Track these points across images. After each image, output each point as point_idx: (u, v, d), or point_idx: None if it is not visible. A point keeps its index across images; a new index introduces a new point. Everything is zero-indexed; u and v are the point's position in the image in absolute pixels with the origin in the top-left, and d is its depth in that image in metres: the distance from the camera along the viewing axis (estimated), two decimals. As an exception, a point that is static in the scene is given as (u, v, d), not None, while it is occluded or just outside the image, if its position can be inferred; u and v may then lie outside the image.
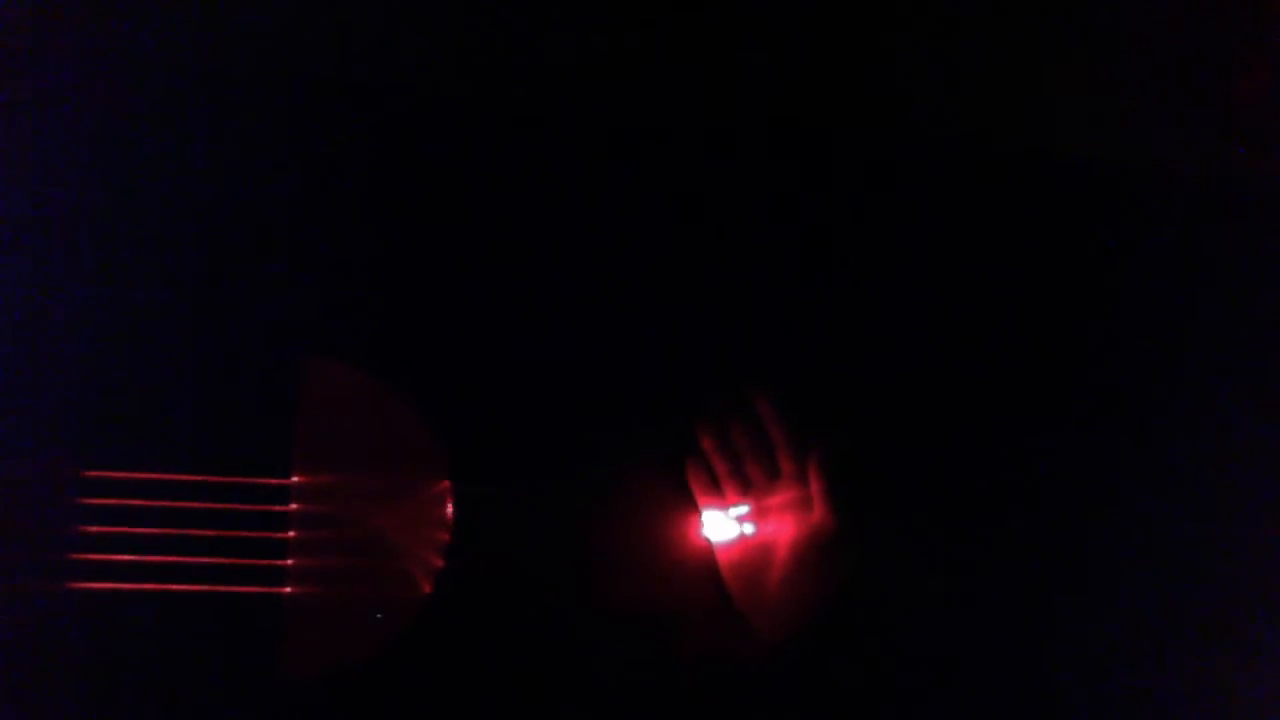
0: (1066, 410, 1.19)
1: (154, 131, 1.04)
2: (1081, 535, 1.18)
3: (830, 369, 1.15)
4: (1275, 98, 1.25)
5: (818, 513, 1.03)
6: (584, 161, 1.13)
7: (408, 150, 1.09)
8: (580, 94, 1.13)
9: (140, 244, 1.02)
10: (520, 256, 1.10)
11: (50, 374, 0.99)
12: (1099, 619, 1.16)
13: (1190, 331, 1.22)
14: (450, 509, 1.04)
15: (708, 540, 1.09)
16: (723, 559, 1.09)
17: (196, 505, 1.01)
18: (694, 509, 1.10)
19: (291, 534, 1.03)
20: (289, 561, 1.02)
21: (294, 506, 1.03)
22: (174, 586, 0.99)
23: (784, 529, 1.05)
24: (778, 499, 1.06)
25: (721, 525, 1.09)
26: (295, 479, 1.03)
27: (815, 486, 1.04)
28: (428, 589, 1.04)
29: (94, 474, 0.99)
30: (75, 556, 0.98)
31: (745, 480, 1.09)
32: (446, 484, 1.05)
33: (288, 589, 1.02)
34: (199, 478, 1.01)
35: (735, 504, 1.09)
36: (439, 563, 1.04)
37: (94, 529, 0.99)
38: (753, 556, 1.07)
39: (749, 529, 1.08)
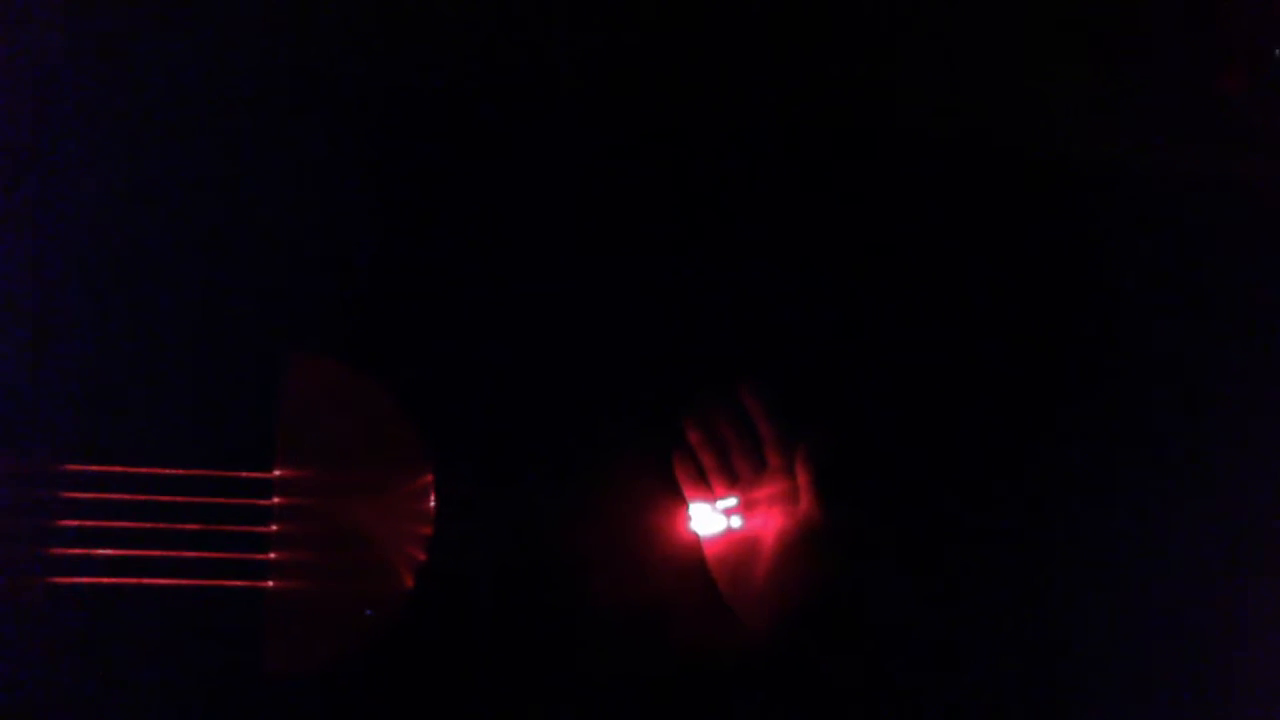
0: (1062, 408, 1.19)
1: (135, 124, 1.03)
2: (1073, 531, 1.16)
3: (818, 363, 1.15)
4: (1266, 97, 1.24)
5: (804, 506, 1.02)
6: (574, 157, 1.12)
7: (391, 145, 1.09)
8: (576, 90, 1.13)
9: (122, 239, 1.02)
10: (504, 251, 1.10)
11: (31, 368, 0.99)
12: (1089, 614, 1.15)
13: (1188, 330, 1.21)
14: (433, 503, 1.04)
15: (694, 534, 1.09)
16: (709, 552, 1.08)
17: (178, 499, 1.00)
18: (680, 502, 1.10)
19: (274, 528, 1.02)
20: (271, 556, 1.02)
21: (277, 501, 1.03)
22: (156, 581, 0.99)
23: (770, 522, 1.04)
24: (764, 492, 1.06)
25: (708, 519, 1.08)
26: (278, 473, 1.03)
27: (802, 479, 1.03)
28: (410, 583, 1.03)
29: (75, 468, 0.99)
30: (56, 551, 0.98)
31: (731, 473, 1.08)
32: (429, 478, 1.04)
33: (270, 583, 1.01)
34: (181, 472, 1.01)
35: (721, 497, 1.08)
36: (422, 557, 1.03)
37: (75, 523, 0.99)
38: (739, 550, 1.06)
39: (735, 522, 1.07)
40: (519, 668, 1.05)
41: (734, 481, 1.08)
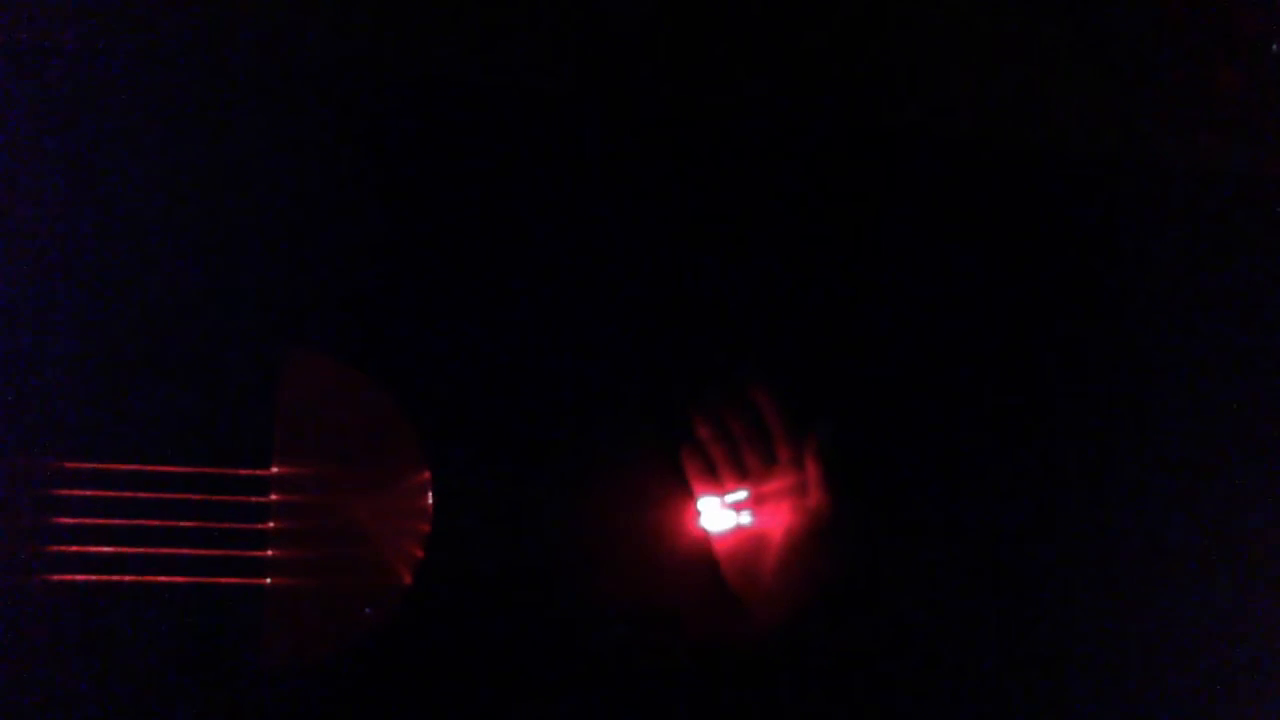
0: (1063, 405, 1.18)
1: (134, 124, 1.04)
2: (1080, 526, 1.16)
3: (827, 358, 1.14)
4: (1265, 90, 1.23)
5: (813, 500, 1.02)
6: (573, 154, 1.12)
7: (388, 140, 1.09)
8: (578, 88, 1.13)
9: (117, 236, 1.02)
10: (502, 246, 1.10)
11: (27, 365, 0.99)
12: (1096, 610, 1.15)
13: (1190, 324, 1.21)
14: (430, 499, 1.04)
15: (704, 530, 1.08)
16: (719, 548, 1.08)
17: (176, 496, 1.00)
18: (689, 498, 1.09)
19: (272, 525, 1.02)
20: (269, 553, 1.02)
21: (275, 498, 1.02)
22: (153, 578, 0.99)
23: (779, 517, 1.04)
24: (773, 486, 1.05)
25: (717, 514, 1.07)
26: (276, 470, 1.03)
27: (811, 473, 1.03)
28: (408, 580, 1.03)
29: (73, 465, 0.99)
30: (53, 548, 0.98)
31: (741, 468, 1.08)
32: (427, 475, 1.04)
33: (267, 580, 1.01)
34: (179, 469, 1.01)
35: (731, 492, 1.07)
36: (420, 554, 1.03)
37: (72, 520, 0.99)
38: (749, 545, 1.06)
39: (745, 517, 1.06)
40: (518, 665, 1.04)
41: (743, 476, 1.08)
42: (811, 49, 1.17)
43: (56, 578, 0.98)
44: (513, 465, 1.07)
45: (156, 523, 1.00)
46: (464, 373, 1.07)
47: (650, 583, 1.09)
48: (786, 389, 1.09)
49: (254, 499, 1.02)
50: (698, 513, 1.09)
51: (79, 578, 0.98)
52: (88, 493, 0.99)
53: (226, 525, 1.01)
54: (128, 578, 0.99)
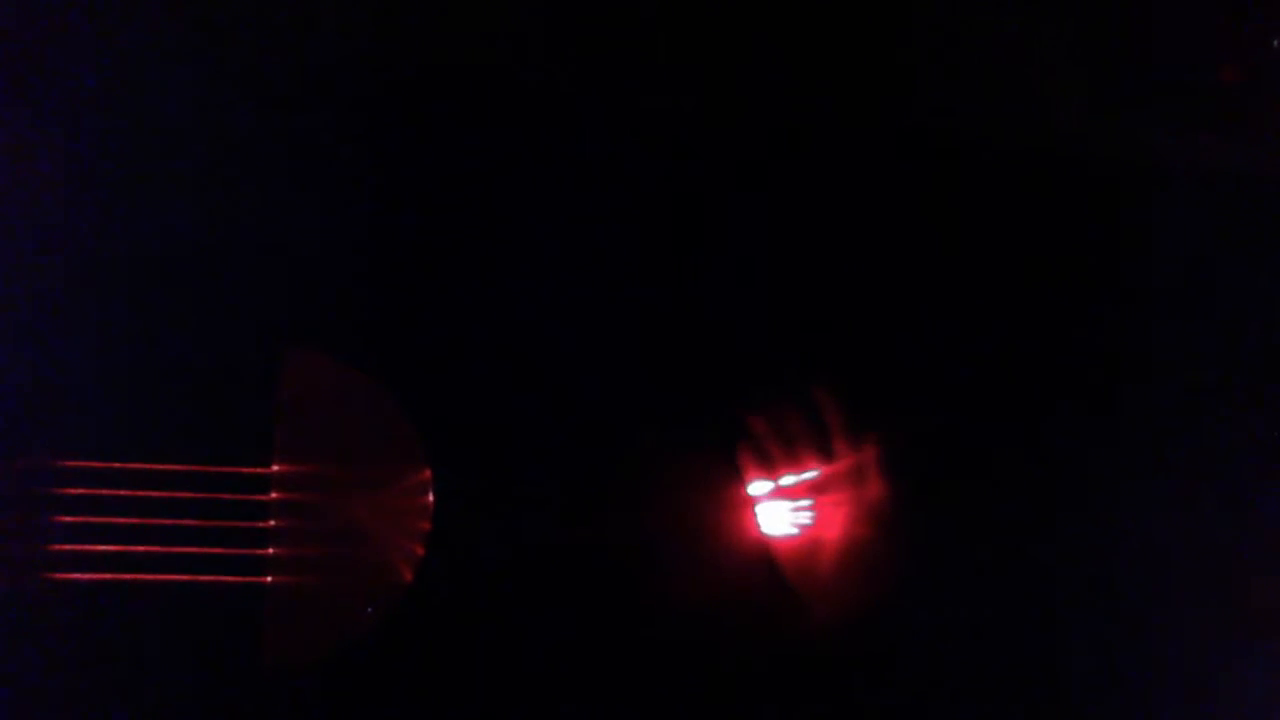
0: (1062, 406, 1.18)
1: (133, 124, 1.04)
2: (1129, 528, 1.16)
3: (885, 356, 1.14)
4: (1266, 89, 1.24)
5: (871, 497, 1.02)
6: (576, 154, 1.12)
7: (387, 140, 1.08)
8: (586, 86, 1.13)
9: (116, 234, 1.02)
10: (506, 245, 1.10)
11: (27, 364, 0.99)
12: (1152, 615, 1.15)
13: (1190, 323, 1.21)
14: (431, 498, 1.04)
15: (761, 527, 1.08)
16: (776, 546, 1.07)
17: (176, 495, 1.00)
18: (747, 496, 1.09)
19: (272, 524, 1.02)
20: (270, 551, 1.02)
21: (275, 496, 1.02)
22: (154, 577, 0.99)
23: (838, 513, 1.04)
24: (831, 484, 1.05)
25: (774, 513, 1.07)
26: (276, 468, 1.03)
27: (868, 471, 1.03)
28: (409, 579, 1.03)
29: (72, 463, 0.99)
30: (53, 547, 0.98)
31: (798, 465, 1.08)
32: (428, 473, 1.04)
33: (269, 579, 1.01)
34: (179, 467, 1.01)
35: (787, 490, 1.07)
36: (420, 552, 1.03)
37: (72, 519, 0.99)
38: (807, 542, 1.05)
39: (803, 514, 1.06)
40: (517, 666, 1.04)
41: (801, 474, 1.08)
42: (811, 49, 1.17)
43: (57, 576, 0.98)
44: (514, 464, 1.07)
45: (157, 521, 1.00)
46: (464, 371, 1.07)
47: (707, 581, 1.08)
48: (845, 387, 1.09)
49: (254, 497, 1.02)
50: (755, 512, 1.09)
51: (80, 576, 0.98)
52: (88, 491, 0.99)
53: (227, 524, 1.01)
54: (128, 576, 0.99)
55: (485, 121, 1.11)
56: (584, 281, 1.11)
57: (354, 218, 1.07)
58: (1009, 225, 1.20)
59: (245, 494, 1.02)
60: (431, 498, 1.04)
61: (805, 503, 1.07)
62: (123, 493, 0.99)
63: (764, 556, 1.08)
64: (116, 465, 1.00)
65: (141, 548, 0.99)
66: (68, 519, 0.99)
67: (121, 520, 0.99)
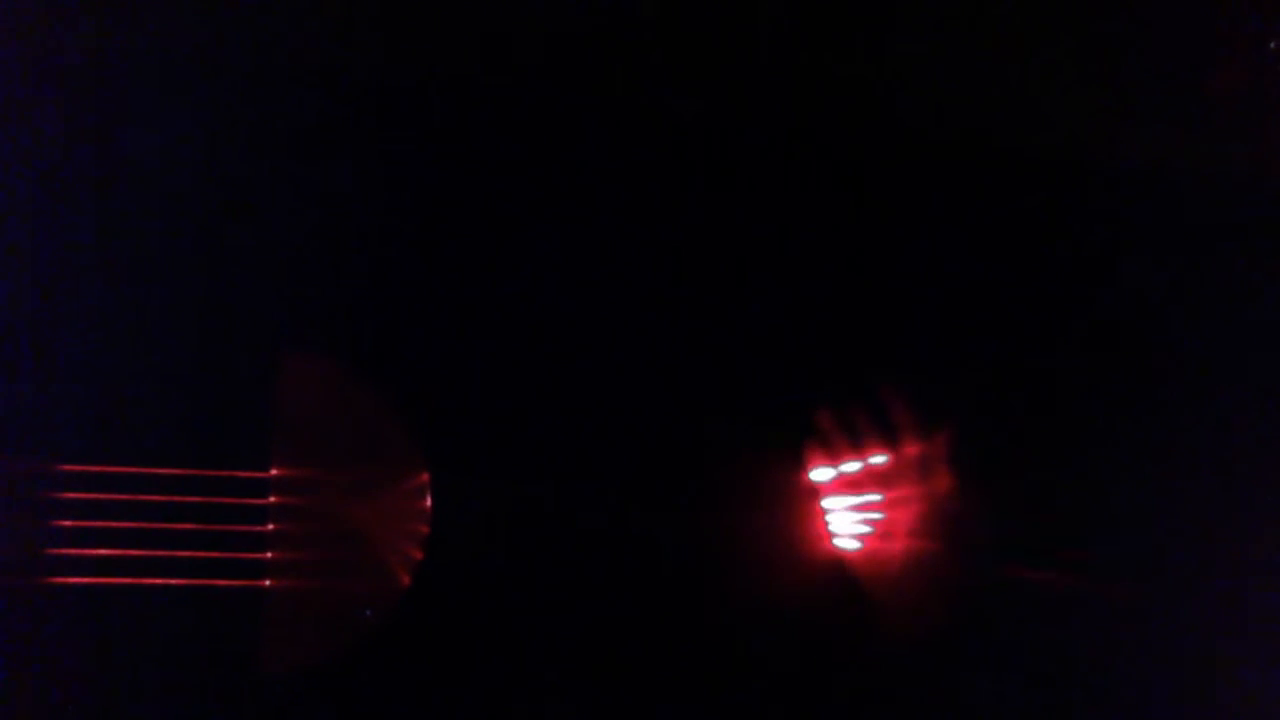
0: (1062, 403, 1.18)
1: (133, 125, 1.04)
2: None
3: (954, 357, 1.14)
4: (1263, 93, 1.23)
5: (942, 496, 1.02)
6: (569, 156, 1.12)
7: (386, 142, 1.09)
8: (580, 88, 1.13)
9: (117, 241, 1.03)
10: (506, 247, 1.10)
11: (29, 369, 1.00)
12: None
13: (1188, 326, 1.21)
14: (429, 502, 1.04)
15: (832, 532, 1.09)
16: (849, 554, 1.08)
17: (175, 499, 1.01)
18: (817, 500, 1.10)
19: (271, 528, 1.03)
20: (268, 555, 1.02)
21: (273, 500, 1.03)
22: (153, 580, 1.00)
23: (910, 515, 1.04)
24: (904, 487, 1.05)
25: (845, 517, 1.08)
26: (275, 473, 1.03)
27: (940, 472, 1.03)
28: (407, 582, 1.03)
29: (72, 468, 1.00)
30: (53, 551, 0.99)
31: (870, 469, 1.08)
32: (425, 477, 1.04)
33: (267, 582, 1.02)
34: (178, 471, 1.01)
35: (860, 494, 1.08)
36: (418, 556, 1.03)
37: (72, 523, 0.99)
38: (880, 546, 1.06)
39: (874, 516, 1.06)
40: (517, 666, 1.04)
41: (873, 478, 1.08)
42: (811, 50, 1.17)
43: (56, 580, 0.99)
44: (512, 467, 1.07)
45: (156, 525, 1.00)
46: (463, 375, 1.07)
47: (778, 586, 1.08)
48: (915, 390, 1.09)
49: (253, 501, 1.02)
50: (825, 517, 1.09)
51: (79, 580, 0.99)
52: (88, 496, 1.00)
53: (226, 528, 1.01)
54: (127, 580, 0.99)
55: (484, 123, 1.11)
56: (583, 281, 1.11)
57: (354, 225, 1.07)
58: (1007, 229, 1.20)
59: (244, 498, 1.02)
60: (429, 502, 1.04)
61: (872, 499, 1.06)
62: (122, 497, 1.00)
63: (831, 561, 1.09)
64: (115, 469, 1.00)
65: (140, 551, 1.00)
66: (67, 523, 0.99)
67: (120, 524, 1.00)
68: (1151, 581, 1.14)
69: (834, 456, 1.10)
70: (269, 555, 1.02)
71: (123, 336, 1.02)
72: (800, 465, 1.10)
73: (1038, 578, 1.10)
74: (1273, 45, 1.19)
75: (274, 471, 1.03)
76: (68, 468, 1.00)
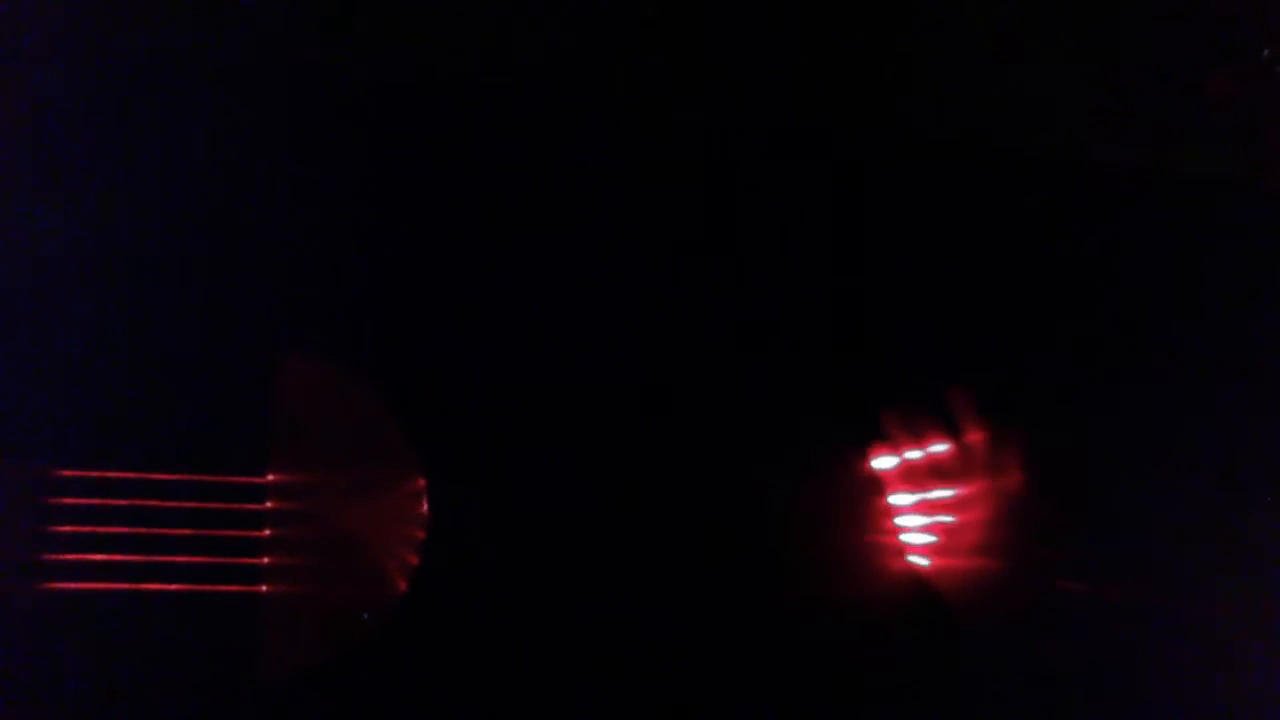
0: (1060, 406, 1.18)
1: (133, 126, 1.03)
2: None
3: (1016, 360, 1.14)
4: (1262, 96, 1.23)
5: (1010, 495, 1.02)
6: (568, 158, 1.12)
7: (385, 141, 1.08)
8: (581, 89, 1.13)
9: (113, 242, 1.02)
10: (505, 249, 1.09)
11: (23, 372, 0.99)
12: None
13: (1188, 330, 1.21)
14: (426, 506, 1.03)
15: (903, 537, 1.09)
16: (920, 557, 1.08)
17: (172, 504, 1.00)
18: (887, 504, 1.10)
19: (268, 533, 1.02)
20: (266, 560, 1.01)
21: (271, 505, 1.02)
22: (150, 586, 0.99)
23: (979, 518, 1.04)
24: (970, 490, 1.05)
25: (914, 522, 1.08)
26: (272, 477, 1.02)
27: (1009, 474, 1.03)
28: (405, 588, 1.03)
29: (69, 473, 0.99)
30: (50, 557, 0.98)
31: (937, 474, 1.08)
32: (423, 481, 1.04)
33: (264, 588, 1.01)
34: (175, 476, 1.01)
35: (927, 498, 1.08)
36: (416, 561, 1.03)
37: (69, 529, 0.98)
38: (951, 547, 1.06)
39: (944, 518, 1.06)
40: (517, 668, 1.04)
41: (940, 482, 1.08)
42: (812, 50, 1.17)
43: (53, 586, 0.98)
44: (511, 472, 1.06)
45: (152, 530, 1.00)
46: (461, 378, 1.07)
47: (846, 589, 1.08)
48: (981, 394, 1.08)
49: (250, 506, 1.02)
50: (896, 522, 1.09)
51: (75, 586, 0.98)
52: (84, 501, 0.99)
53: (222, 533, 1.01)
54: (124, 585, 0.98)
55: (483, 123, 1.10)
56: (586, 284, 1.10)
57: (351, 227, 1.07)
58: (1006, 230, 1.20)
59: (241, 503, 1.01)
60: (427, 506, 1.03)
61: (942, 497, 1.06)
62: (118, 502, 0.99)
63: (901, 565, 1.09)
64: (111, 474, 1.00)
65: (137, 557, 0.99)
66: (64, 528, 0.98)
67: (117, 529, 0.99)
68: (1151, 581, 1.14)
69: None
70: (266, 560, 1.01)
71: (121, 340, 1.01)
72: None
73: (1040, 580, 1.10)
74: (1267, 53, 1.20)
75: (271, 476, 1.02)
76: (64, 472, 0.99)
